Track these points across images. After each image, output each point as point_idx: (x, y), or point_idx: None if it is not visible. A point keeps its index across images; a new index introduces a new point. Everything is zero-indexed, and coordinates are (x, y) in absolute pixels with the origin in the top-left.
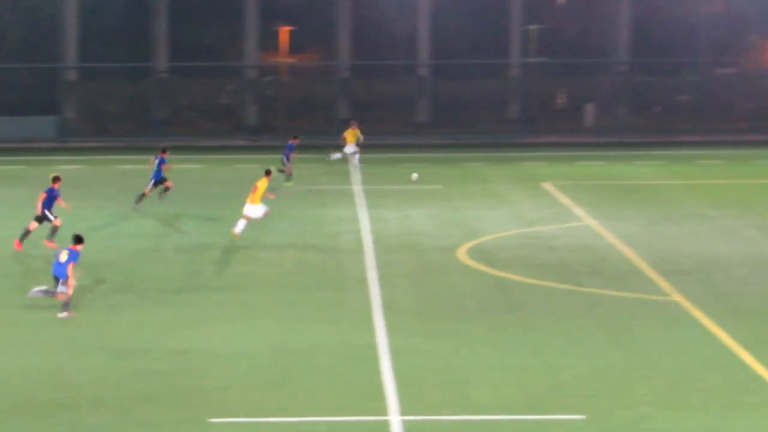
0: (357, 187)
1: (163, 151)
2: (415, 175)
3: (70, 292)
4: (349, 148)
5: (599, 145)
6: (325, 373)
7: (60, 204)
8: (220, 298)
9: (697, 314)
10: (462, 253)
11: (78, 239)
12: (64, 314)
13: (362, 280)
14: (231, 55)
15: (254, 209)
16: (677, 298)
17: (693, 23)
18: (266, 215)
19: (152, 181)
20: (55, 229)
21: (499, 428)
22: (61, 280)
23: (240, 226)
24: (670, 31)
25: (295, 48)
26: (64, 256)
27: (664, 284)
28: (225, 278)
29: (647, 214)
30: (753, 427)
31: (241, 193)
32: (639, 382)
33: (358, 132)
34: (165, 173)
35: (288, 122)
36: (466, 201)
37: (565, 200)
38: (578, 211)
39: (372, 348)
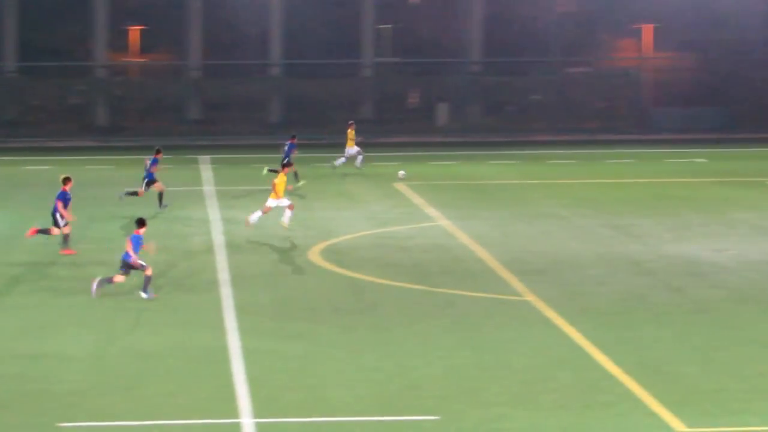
0: (208, 187)
1: (157, 152)
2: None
3: (149, 272)
4: (351, 149)
5: (452, 144)
6: (177, 376)
7: (59, 209)
8: (70, 301)
9: (550, 314)
10: (315, 254)
11: (141, 222)
12: (146, 295)
13: (213, 282)
14: (80, 54)
15: (275, 202)
16: (530, 297)
17: (545, 23)
18: (291, 209)
19: (144, 182)
20: (66, 237)
21: (352, 430)
22: (122, 261)
23: (254, 216)
24: (522, 30)
25: (145, 48)
26: (129, 246)
27: (517, 284)
28: (74, 281)
29: (500, 214)
30: (606, 425)
31: (91, 194)
32: (492, 382)
33: (353, 133)
34: (156, 174)
35: (138, 123)
36: (319, 201)
37: (418, 200)
38: (431, 211)
39: (224, 350)
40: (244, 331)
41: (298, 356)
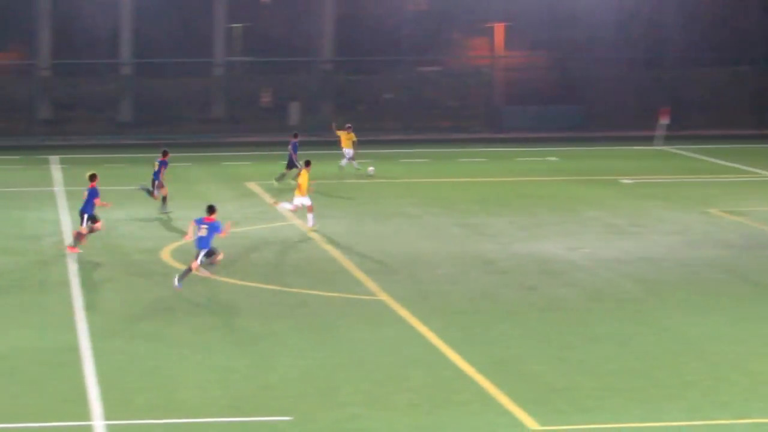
0: (58, 188)
1: (164, 153)
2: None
3: (220, 257)
4: (347, 152)
5: (304, 143)
6: (26, 378)
7: (97, 203)
8: None
9: (403, 313)
10: (166, 255)
11: (211, 209)
12: (206, 273)
13: (64, 283)
14: None
15: (302, 199)
16: (383, 297)
17: (397, 21)
18: (310, 211)
19: (153, 182)
20: (79, 236)
21: (205, 431)
22: (202, 252)
23: (284, 205)
24: (374, 29)
25: None
26: (204, 231)
27: (370, 283)
28: None
29: (353, 213)
30: (460, 424)
31: None
32: (346, 382)
33: (353, 136)
34: (162, 176)
35: None
36: (171, 202)
37: (270, 200)
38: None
39: (74, 351)
40: (95, 332)
41: (149, 357)
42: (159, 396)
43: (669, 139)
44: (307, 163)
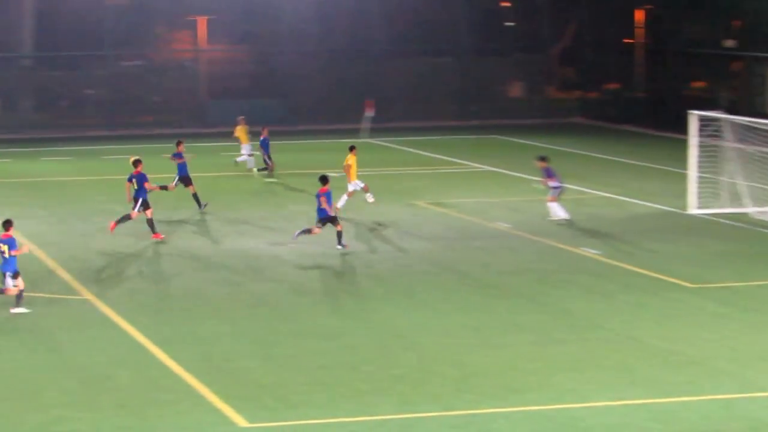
0: None
1: (178, 143)
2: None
3: (340, 227)
4: (246, 148)
5: (4, 141)
6: None
7: (146, 186)
8: None
9: (109, 312)
10: None
11: (324, 179)
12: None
13: None
14: None
15: (354, 184)
16: (88, 296)
17: (99, 15)
18: (365, 191)
19: (176, 179)
20: (127, 218)
21: None
22: (318, 218)
23: (342, 200)
24: (76, 23)
25: None
26: (324, 202)
27: (75, 283)
28: None
29: (56, 212)
30: (168, 424)
31: None
32: (51, 384)
33: (247, 127)
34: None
35: None
36: None
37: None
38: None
39: None
40: None
41: None
42: None
43: (374, 132)
44: (351, 148)
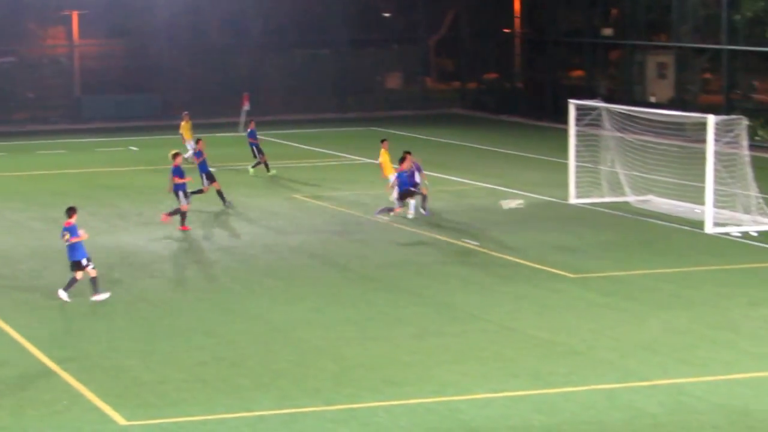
0: None
1: (197, 141)
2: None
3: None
4: (191, 144)
5: None
6: None
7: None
8: None
9: None
10: None
11: (403, 159)
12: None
13: None
14: None
15: (390, 178)
16: None
17: None
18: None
19: (203, 176)
20: (178, 212)
21: None
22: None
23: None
24: None
25: None
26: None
27: None
28: None
29: None
30: (47, 423)
31: None
32: None
33: (191, 123)
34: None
35: None
36: None
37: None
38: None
39: None
40: None
41: None
42: None
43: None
44: (383, 141)
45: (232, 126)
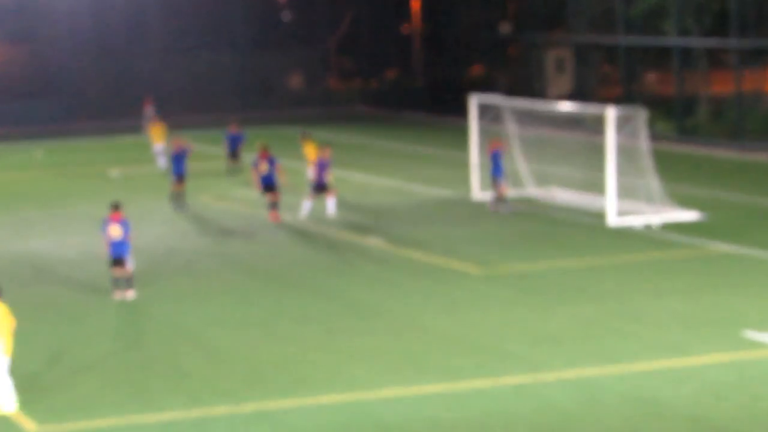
0: None
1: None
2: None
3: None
4: (158, 147)
5: None
6: None
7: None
8: None
9: None
10: None
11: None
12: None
13: None
14: None
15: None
16: None
17: None
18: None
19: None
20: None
21: None
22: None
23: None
24: None
25: None
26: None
27: None
28: None
29: None
30: None
31: None
32: None
33: (164, 126)
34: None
35: None
36: None
37: None
38: None
39: None
40: None
41: None
42: None
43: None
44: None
45: (136, 129)
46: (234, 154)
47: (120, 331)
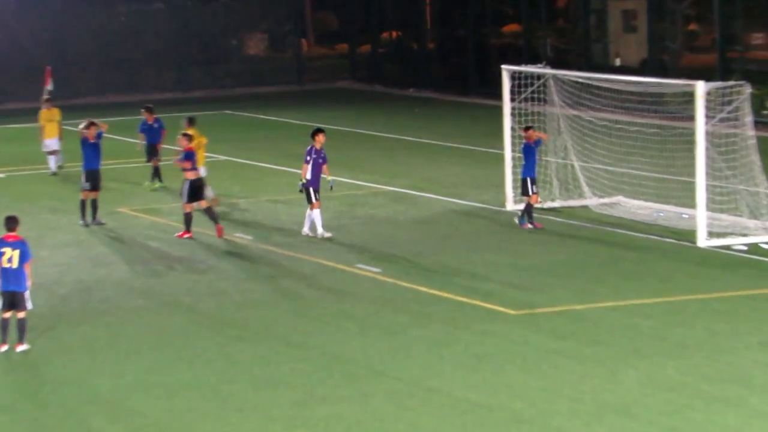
0: None
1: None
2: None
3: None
4: (50, 143)
5: None
6: None
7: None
8: None
9: None
10: None
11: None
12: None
13: None
14: None
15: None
16: None
17: None
18: None
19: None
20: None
21: None
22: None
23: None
24: None
25: None
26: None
27: None
28: None
29: None
30: None
31: None
32: None
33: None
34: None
35: None
36: None
37: None
38: None
39: None
40: None
41: None
42: None
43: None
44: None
45: (30, 113)
46: (152, 150)
47: (11, 400)
